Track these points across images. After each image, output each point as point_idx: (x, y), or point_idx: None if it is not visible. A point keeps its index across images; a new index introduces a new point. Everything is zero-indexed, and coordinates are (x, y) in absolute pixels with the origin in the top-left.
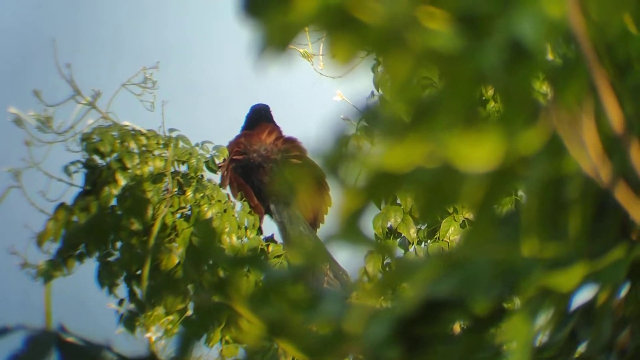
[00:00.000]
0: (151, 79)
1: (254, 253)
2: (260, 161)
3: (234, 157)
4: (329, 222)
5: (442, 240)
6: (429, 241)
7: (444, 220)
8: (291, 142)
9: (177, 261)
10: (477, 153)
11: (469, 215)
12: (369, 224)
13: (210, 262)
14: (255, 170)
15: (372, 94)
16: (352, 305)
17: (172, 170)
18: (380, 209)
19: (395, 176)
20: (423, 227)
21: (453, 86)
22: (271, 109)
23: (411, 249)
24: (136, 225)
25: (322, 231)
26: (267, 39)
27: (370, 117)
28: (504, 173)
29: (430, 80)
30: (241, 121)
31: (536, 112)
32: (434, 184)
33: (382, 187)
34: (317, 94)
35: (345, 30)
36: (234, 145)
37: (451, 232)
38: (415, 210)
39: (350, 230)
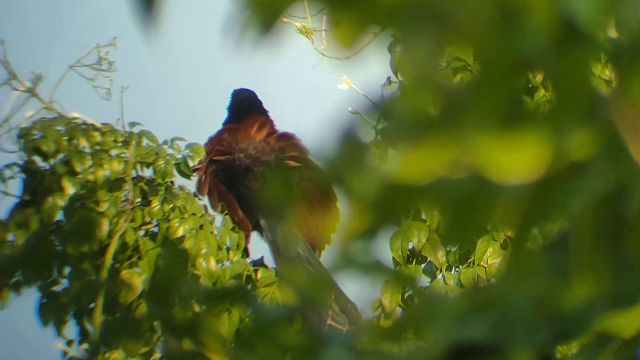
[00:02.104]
0: (106, 59)
1: (237, 283)
2: (248, 163)
3: (215, 158)
4: (336, 242)
5: (478, 265)
6: (461, 267)
7: (480, 240)
8: (287, 139)
9: (139, 291)
10: (516, 159)
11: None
12: (386, 245)
13: (182, 294)
14: (241, 175)
15: (389, 80)
16: (363, 350)
17: (134, 175)
18: (399, 226)
19: (415, 188)
20: (454, 249)
21: (490, 71)
22: (259, 97)
23: (439, 276)
24: (88, 246)
25: (326, 254)
26: (251, 9)
27: (385, 111)
28: (551, 184)
29: (464, 63)
30: (223, 112)
31: (594, 105)
32: (462, 199)
33: (399, 200)
34: (318, 79)
35: (350, 3)
36: (215, 143)
37: (489, 255)
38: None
39: (358, 254)
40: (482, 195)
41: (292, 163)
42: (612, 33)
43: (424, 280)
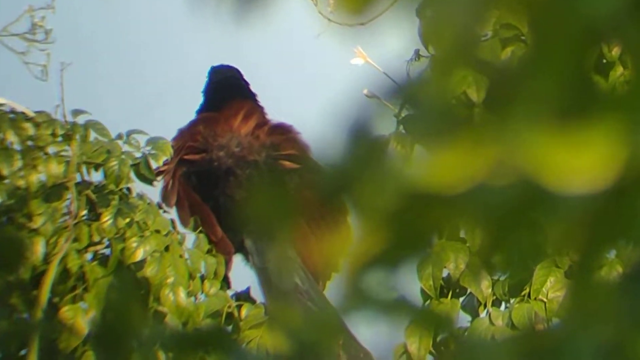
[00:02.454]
0: (42, 27)
1: (215, 323)
2: (229, 164)
3: (186, 158)
4: (345, 270)
5: (535, 299)
6: (512, 301)
7: (537, 267)
8: (282, 132)
9: (85, 335)
10: (581, 160)
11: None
12: (412, 273)
13: (141, 338)
14: (221, 180)
15: (417, 54)
16: None
17: (78, 179)
18: (429, 248)
19: (449, 198)
20: (502, 278)
21: (551, 43)
22: (244, 76)
23: (483, 314)
24: (16, 274)
25: (332, 286)
26: None
27: (411, 95)
28: (628, 193)
29: (516, 31)
30: (197, 97)
31: None
32: (511, 212)
33: (428, 214)
34: (323, 53)
35: None
36: (186, 137)
37: (550, 286)
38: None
39: (374, 287)
40: (537, 207)
41: (288, 164)
42: None
43: (463, 319)
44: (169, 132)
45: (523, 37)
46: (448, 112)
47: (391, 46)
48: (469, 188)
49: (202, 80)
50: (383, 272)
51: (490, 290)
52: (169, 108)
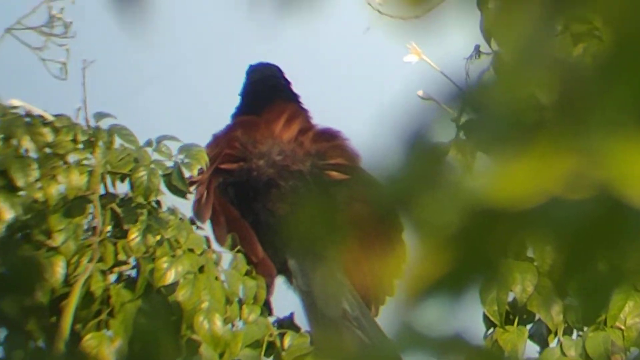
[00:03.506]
0: (61, 19)
1: (254, 354)
2: (271, 175)
3: (222, 167)
4: (402, 295)
5: (612, 326)
6: (585, 329)
7: (615, 291)
8: (329, 139)
9: None
10: None
11: None
12: (475, 298)
13: None
14: (261, 193)
15: (478, 51)
16: None
17: (102, 192)
18: (494, 270)
19: (517, 214)
20: (576, 303)
21: (631, 39)
22: (286, 75)
23: (553, 343)
24: (33, 299)
25: (386, 312)
26: None
27: (473, 98)
28: None
29: (589, 26)
30: (234, 100)
31: None
32: (586, 229)
33: (493, 231)
34: (373, 49)
35: None
36: (223, 145)
37: (629, 312)
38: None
39: (428, 321)
40: (617, 223)
41: (336, 175)
42: None
43: (531, 349)
44: (205, 139)
45: (597, 32)
46: (515, 117)
47: (449, 42)
48: (540, 202)
49: (241, 81)
50: (444, 298)
51: (561, 316)
52: (211, 113)
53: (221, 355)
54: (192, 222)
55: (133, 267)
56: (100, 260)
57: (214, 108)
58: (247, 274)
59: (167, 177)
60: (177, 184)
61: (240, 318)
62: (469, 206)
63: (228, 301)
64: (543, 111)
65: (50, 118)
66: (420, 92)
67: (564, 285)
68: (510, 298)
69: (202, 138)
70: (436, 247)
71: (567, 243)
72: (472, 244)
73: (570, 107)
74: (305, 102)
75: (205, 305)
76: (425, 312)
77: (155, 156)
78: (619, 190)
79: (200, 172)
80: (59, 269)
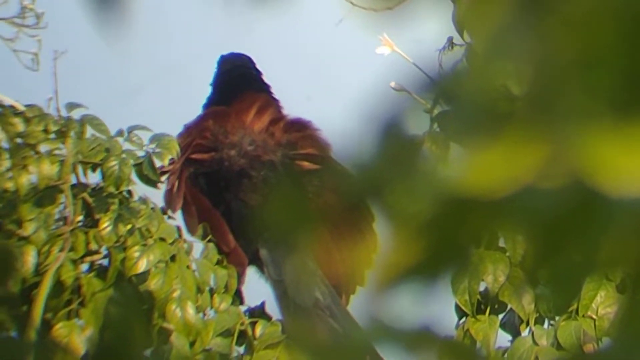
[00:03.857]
0: (33, 10)
1: (225, 342)
2: (242, 164)
3: (194, 157)
4: (371, 284)
5: (584, 316)
6: (557, 318)
7: (587, 280)
8: (300, 129)
9: (81, 354)
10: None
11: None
12: (446, 288)
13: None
14: (233, 182)
15: (450, 42)
16: None
17: (74, 181)
18: (464, 259)
19: (489, 203)
20: (547, 292)
21: (604, 28)
22: (257, 65)
23: (525, 332)
24: (4, 288)
25: (357, 301)
26: None
27: (446, 89)
28: None
29: (563, 17)
30: (204, 89)
31: None
32: (559, 217)
33: (465, 220)
34: (346, 40)
35: None
36: (194, 134)
37: (600, 302)
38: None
39: (396, 313)
40: (589, 212)
41: (307, 165)
42: None
43: (503, 338)
44: (177, 129)
45: (570, 23)
46: (487, 107)
47: (422, 33)
48: (512, 191)
49: (210, 72)
50: (415, 287)
51: (533, 306)
52: (181, 103)
53: (192, 344)
54: (164, 212)
55: (104, 257)
56: (72, 249)
57: (186, 96)
58: (218, 263)
59: (139, 167)
60: (148, 174)
61: (211, 307)
62: (441, 195)
63: (199, 290)
64: (515, 101)
65: (21, 108)
66: (392, 84)
67: (535, 275)
68: (481, 288)
69: (175, 128)
70: (407, 236)
71: (539, 232)
72: (444, 233)
73: (542, 97)
74: (277, 92)
75: (176, 294)
76: (396, 301)
77: (127, 146)
78: (590, 179)
79: (172, 162)
80: (30, 258)
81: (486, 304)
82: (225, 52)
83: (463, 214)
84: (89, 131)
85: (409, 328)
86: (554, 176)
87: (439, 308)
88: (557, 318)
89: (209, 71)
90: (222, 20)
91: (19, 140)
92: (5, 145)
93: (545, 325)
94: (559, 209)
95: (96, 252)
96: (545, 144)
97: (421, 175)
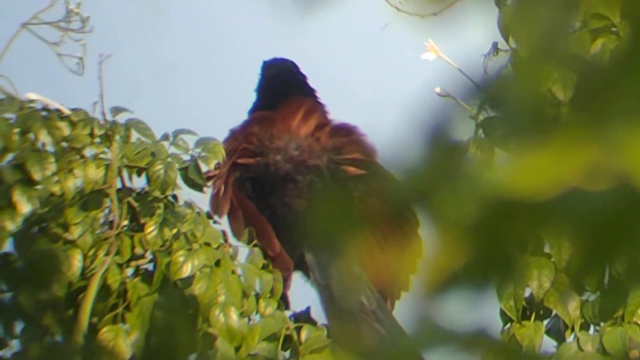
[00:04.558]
0: (78, 14)
1: (271, 347)
2: (288, 169)
3: (240, 162)
4: (420, 288)
5: (630, 322)
6: (602, 324)
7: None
8: (346, 133)
9: (127, 358)
10: None
11: None
12: (491, 294)
13: None
14: (278, 187)
15: (496, 48)
16: None
17: (119, 185)
18: (510, 264)
19: (534, 206)
20: (593, 298)
21: None
22: (302, 70)
23: (570, 338)
24: (50, 292)
25: (402, 306)
26: None
27: (491, 95)
28: None
29: (607, 22)
30: (250, 95)
31: None
32: (605, 221)
33: (511, 225)
34: (391, 46)
35: None
36: (240, 139)
37: None
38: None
39: (447, 316)
40: (635, 216)
41: (353, 170)
42: None
43: (548, 344)
44: (223, 133)
45: (615, 29)
46: (533, 113)
47: (467, 39)
48: (557, 195)
49: (255, 78)
50: (461, 292)
51: (578, 312)
52: (227, 108)
53: (237, 349)
54: (209, 216)
55: (150, 261)
56: (117, 253)
57: (233, 102)
58: (264, 267)
59: (184, 171)
60: (194, 178)
61: (256, 312)
62: (487, 199)
63: (244, 295)
64: (560, 106)
65: (67, 112)
66: (438, 89)
67: (581, 281)
68: (527, 294)
69: (220, 132)
70: (453, 241)
71: (586, 236)
72: (490, 237)
73: (585, 102)
74: (323, 98)
75: (221, 298)
76: (443, 306)
77: (172, 150)
78: (636, 182)
79: (218, 166)
80: (76, 262)
81: (531, 309)
82: (268, 58)
83: (509, 218)
84: (135, 135)
85: (462, 331)
86: (600, 180)
87: (485, 314)
88: (602, 324)
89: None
90: (270, 24)
91: (64, 144)
92: (51, 149)
93: (591, 331)
94: (606, 213)
95: (142, 257)
96: (591, 147)
97: (466, 180)
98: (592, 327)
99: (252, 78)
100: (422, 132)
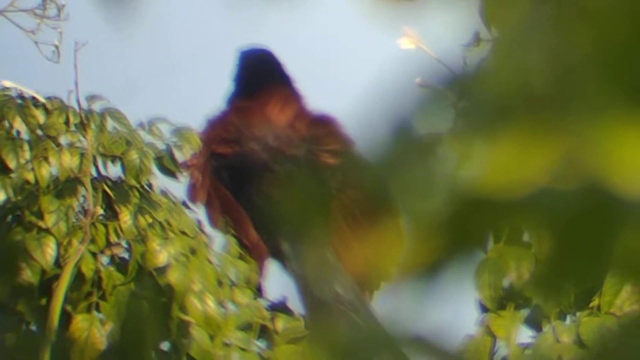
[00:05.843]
0: (54, 2)
1: (246, 336)
2: (265, 159)
3: (217, 151)
4: (398, 280)
5: (607, 312)
6: (577, 314)
7: (609, 275)
8: (324, 124)
9: (102, 349)
10: None
11: None
12: (468, 281)
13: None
14: (255, 176)
15: (477, 37)
16: None
17: (95, 174)
18: (485, 252)
19: (504, 204)
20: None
21: (622, 25)
22: (279, 59)
23: (547, 328)
24: (24, 280)
25: (381, 297)
26: None
27: (468, 85)
28: None
29: (584, 12)
30: (225, 83)
31: None
32: (574, 219)
33: (482, 220)
34: (366, 32)
35: None
36: (217, 129)
37: (626, 297)
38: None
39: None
40: (608, 214)
41: (330, 160)
42: None
43: (526, 334)
44: (199, 121)
45: (590, 19)
46: (504, 105)
47: (446, 26)
48: (529, 192)
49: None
50: (428, 285)
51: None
52: (203, 96)
53: (212, 337)
54: (184, 205)
55: (125, 250)
56: (92, 242)
57: (208, 89)
58: (240, 257)
59: (159, 159)
60: (168, 166)
61: (232, 300)
62: (460, 195)
63: (220, 284)
64: (533, 98)
65: (42, 100)
66: (417, 79)
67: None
68: (505, 284)
69: (195, 118)
70: (423, 234)
71: (558, 230)
72: (459, 230)
73: (559, 94)
74: (301, 87)
75: (197, 287)
76: (411, 299)
77: (147, 138)
78: (607, 179)
79: (194, 155)
80: (50, 250)
81: (510, 298)
82: (245, 47)
83: (479, 213)
84: (110, 123)
85: (408, 332)
86: (571, 176)
87: (454, 307)
88: (577, 314)
89: (221, 66)
90: (228, 17)
91: (39, 132)
92: (26, 137)
93: (567, 321)
94: (577, 210)
95: (117, 245)
96: (564, 142)
97: (436, 173)
98: (568, 317)
99: (225, 65)
100: (392, 122)
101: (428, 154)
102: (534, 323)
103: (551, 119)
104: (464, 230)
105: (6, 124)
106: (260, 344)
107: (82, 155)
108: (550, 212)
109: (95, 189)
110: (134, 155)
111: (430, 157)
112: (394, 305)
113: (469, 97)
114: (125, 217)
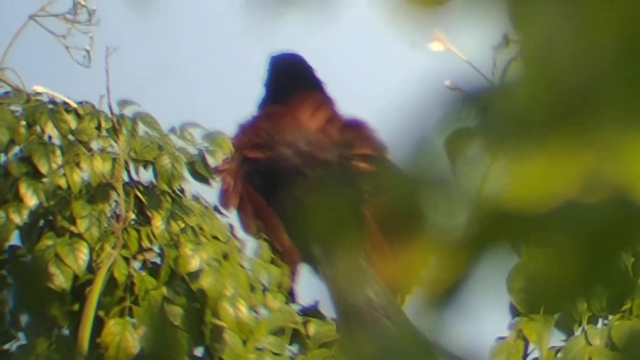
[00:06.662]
0: (85, 6)
1: (279, 341)
2: (297, 164)
3: (249, 156)
4: (424, 295)
5: (637, 315)
6: (610, 317)
7: None
8: (356, 128)
9: (134, 352)
10: None
11: None
12: (499, 287)
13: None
14: (287, 181)
15: (505, 38)
16: None
17: (126, 179)
18: (519, 257)
19: (528, 219)
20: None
21: None
22: (309, 63)
23: (578, 331)
24: (57, 282)
25: (413, 302)
26: None
27: (495, 99)
28: None
29: (609, 23)
30: (257, 88)
31: None
32: (602, 233)
33: (507, 232)
34: (396, 36)
35: None
36: (249, 134)
37: None
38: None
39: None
40: (634, 228)
41: (363, 165)
42: None
43: (557, 337)
44: (229, 126)
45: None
46: (528, 117)
47: (476, 30)
48: (556, 205)
49: (256, 77)
50: (455, 299)
51: (585, 305)
52: (235, 101)
53: (245, 341)
54: (217, 210)
55: (157, 255)
56: (124, 247)
57: (239, 96)
58: (272, 262)
59: (191, 164)
60: (200, 171)
61: (264, 305)
62: (485, 210)
63: (252, 288)
64: (559, 110)
65: (74, 105)
66: (447, 81)
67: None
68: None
69: (227, 125)
70: (449, 249)
71: (581, 249)
72: (482, 247)
73: (586, 105)
74: (331, 92)
75: (229, 292)
76: (440, 313)
77: (179, 143)
78: (632, 193)
79: (226, 161)
80: (82, 255)
81: (540, 303)
82: (275, 52)
83: (503, 226)
84: (142, 128)
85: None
86: (596, 190)
87: (483, 315)
88: (609, 317)
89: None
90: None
91: (71, 137)
92: (57, 142)
93: (598, 324)
94: (601, 225)
95: (149, 250)
96: (588, 156)
97: (461, 188)
98: (599, 321)
99: (257, 70)
100: (429, 126)
101: (454, 165)
102: (566, 326)
103: (577, 132)
104: (491, 244)
105: (38, 129)
106: (293, 349)
107: (113, 160)
108: (577, 225)
109: (127, 194)
110: (165, 160)
111: (457, 170)
112: (422, 319)
113: (494, 109)
114: (158, 222)
